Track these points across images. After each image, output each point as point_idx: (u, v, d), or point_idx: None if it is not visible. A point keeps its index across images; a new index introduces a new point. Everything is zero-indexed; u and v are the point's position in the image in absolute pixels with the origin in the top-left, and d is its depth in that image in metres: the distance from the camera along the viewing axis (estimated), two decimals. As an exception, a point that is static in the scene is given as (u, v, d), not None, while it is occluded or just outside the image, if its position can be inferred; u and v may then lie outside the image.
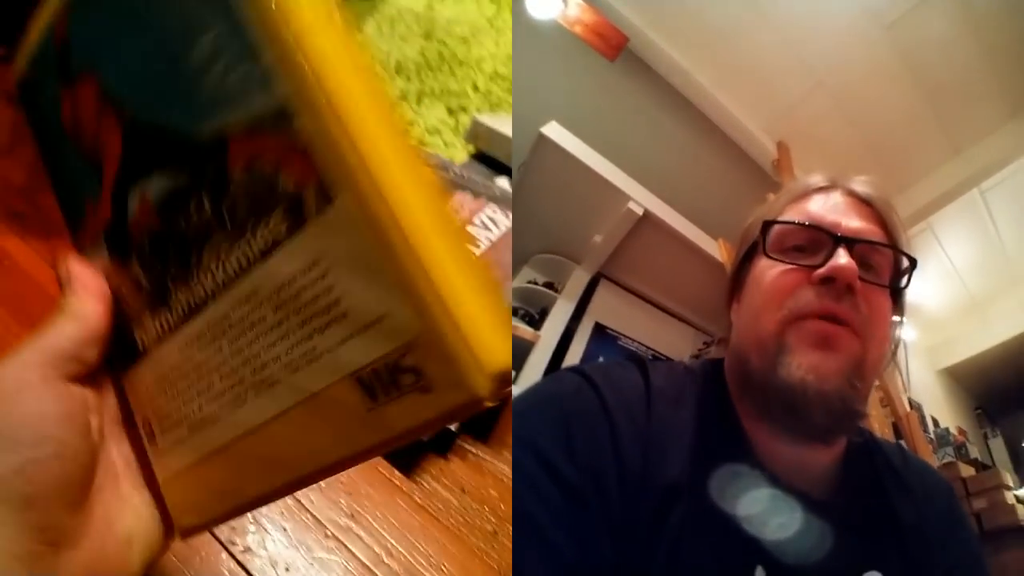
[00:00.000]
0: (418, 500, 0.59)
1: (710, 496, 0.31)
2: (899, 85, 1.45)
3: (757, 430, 0.34)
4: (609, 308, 1.40)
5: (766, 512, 0.31)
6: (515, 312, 1.34)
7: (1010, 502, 1.46)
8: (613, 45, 1.22)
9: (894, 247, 0.35)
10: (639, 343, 1.42)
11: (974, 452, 1.98)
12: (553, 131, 1.19)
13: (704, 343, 1.47)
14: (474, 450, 0.63)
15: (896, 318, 0.35)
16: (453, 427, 0.62)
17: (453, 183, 0.70)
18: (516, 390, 0.34)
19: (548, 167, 1.21)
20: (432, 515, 0.58)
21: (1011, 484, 1.53)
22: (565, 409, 0.32)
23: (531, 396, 0.34)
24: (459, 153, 0.96)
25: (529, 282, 1.37)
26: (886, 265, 0.35)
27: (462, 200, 0.68)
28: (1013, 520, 1.43)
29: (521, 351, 1.23)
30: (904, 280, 0.35)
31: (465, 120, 1.04)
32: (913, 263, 0.35)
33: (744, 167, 1.54)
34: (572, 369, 0.35)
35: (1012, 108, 1.48)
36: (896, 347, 0.36)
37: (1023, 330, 2.12)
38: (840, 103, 1.54)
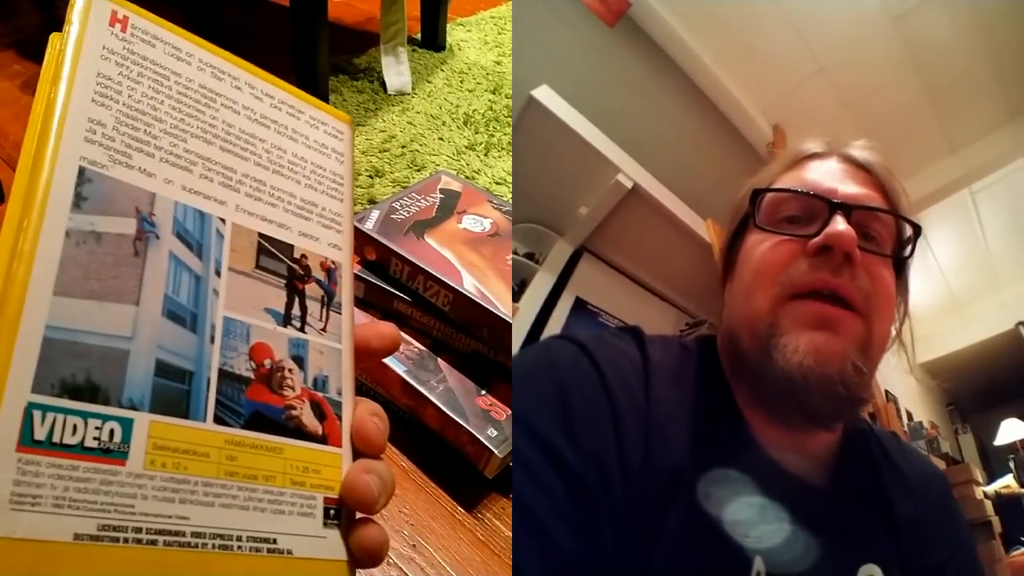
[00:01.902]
0: (480, 536, 0.59)
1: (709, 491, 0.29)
2: (901, 78, 1.43)
3: (754, 413, 0.32)
4: (591, 283, 1.38)
5: (763, 510, 0.29)
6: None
7: (978, 497, 1.49)
8: (614, 10, 1.18)
9: (895, 213, 0.33)
10: (620, 320, 1.39)
11: (945, 447, 2.01)
12: (544, 95, 1.15)
13: (686, 324, 1.45)
14: (537, 490, 0.62)
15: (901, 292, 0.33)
16: (516, 465, 0.61)
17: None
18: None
19: (536, 133, 1.18)
20: (494, 552, 0.57)
21: (980, 480, 1.56)
22: (561, 384, 0.30)
23: (525, 364, 0.32)
24: (523, 203, 1.00)
25: (511, 252, 1.34)
26: (887, 235, 0.32)
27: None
28: (981, 515, 1.45)
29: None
30: (908, 250, 0.33)
31: (531, 173, 1.08)
32: (917, 230, 0.33)
33: (738, 148, 1.52)
34: (565, 337, 0.33)
35: (1011, 111, 1.47)
36: (902, 324, 0.35)
37: (999, 332, 2.15)
38: (840, 91, 1.51)
